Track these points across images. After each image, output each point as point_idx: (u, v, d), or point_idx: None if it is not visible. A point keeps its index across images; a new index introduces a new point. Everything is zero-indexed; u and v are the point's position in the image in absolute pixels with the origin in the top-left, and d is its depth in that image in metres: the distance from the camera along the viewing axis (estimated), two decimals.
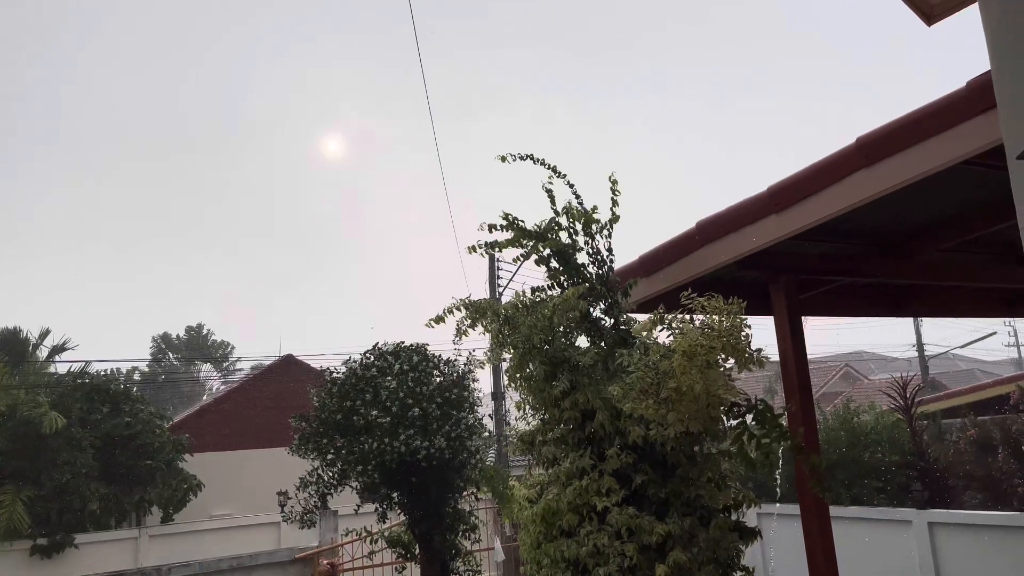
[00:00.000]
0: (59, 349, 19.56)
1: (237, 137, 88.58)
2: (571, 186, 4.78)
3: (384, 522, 9.74)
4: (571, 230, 4.73)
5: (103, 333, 75.13)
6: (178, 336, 58.03)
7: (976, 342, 33.94)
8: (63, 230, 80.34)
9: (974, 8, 2.46)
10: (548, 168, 4.75)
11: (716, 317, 3.81)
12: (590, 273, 4.68)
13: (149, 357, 55.89)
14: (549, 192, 4.75)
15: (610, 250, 4.77)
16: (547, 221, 4.72)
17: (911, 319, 30.07)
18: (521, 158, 4.75)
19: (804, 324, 5.29)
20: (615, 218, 4.78)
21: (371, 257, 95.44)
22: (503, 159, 4.73)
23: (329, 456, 9.22)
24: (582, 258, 4.72)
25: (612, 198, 4.76)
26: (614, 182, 4.77)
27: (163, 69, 75.99)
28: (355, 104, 71.93)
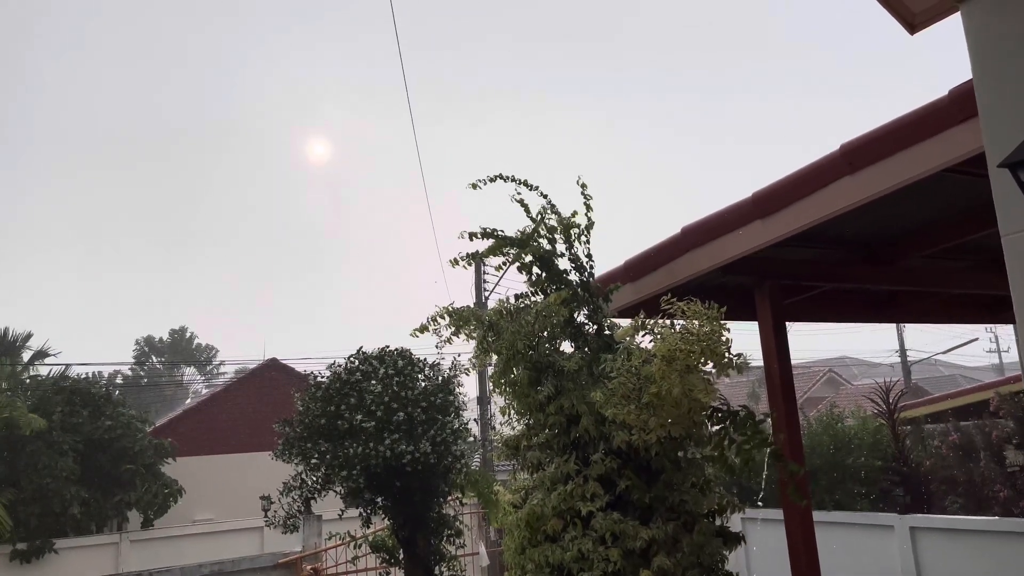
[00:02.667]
0: (41, 354, 19.35)
1: (221, 139, 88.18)
2: (544, 196, 4.79)
3: (368, 527, 9.69)
4: (550, 237, 4.74)
5: (86, 335, 74.52)
6: (161, 339, 57.54)
7: (958, 348, 34.15)
8: (46, 231, 79.62)
9: (956, 17, 2.49)
10: (518, 183, 4.77)
11: (696, 322, 3.82)
12: (572, 280, 4.69)
13: (132, 360, 55.41)
14: (522, 203, 4.76)
15: (589, 256, 4.78)
16: (528, 228, 4.72)
17: (894, 325, 30.30)
18: (491, 180, 4.77)
19: (788, 329, 5.31)
20: (591, 224, 4.80)
21: (358, 260, 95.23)
22: (473, 186, 4.76)
23: (313, 461, 9.16)
24: (563, 264, 4.73)
25: (585, 203, 4.78)
26: (583, 186, 4.78)
27: (144, 71, 75.56)
28: (341, 106, 71.74)
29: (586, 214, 4.79)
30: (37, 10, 71.26)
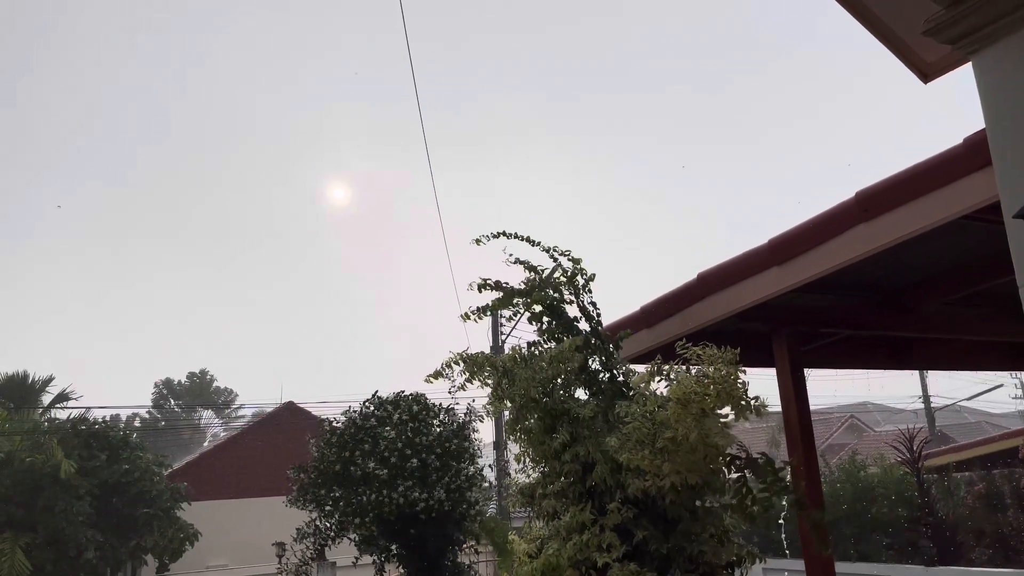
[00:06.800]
0: (62, 397, 19.52)
1: (243, 181, 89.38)
2: (547, 251, 4.83)
3: (382, 574, 9.57)
4: (556, 285, 4.77)
5: (106, 377, 74.89)
6: (180, 382, 57.80)
7: (983, 394, 33.52)
8: (67, 272, 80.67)
9: (968, 67, 2.50)
10: (522, 240, 4.82)
11: (711, 366, 3.79)
12: (582, 327, 4.70)
13: (151, 403, 55.64)
14: (526, 263, 4.81)
15: (594, 305, 4.81)
16: (536, 279, 4.76)
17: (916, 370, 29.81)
18: (494, 236, 4.82)
19: (807, 375, 5.26)
20: (591, 276, 4.85)
21: (377, 303, 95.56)
22: (477, 242, 4.83)
23: (327, 507, 9.11)
24: (573, 312, 4.75)
25: (574, 265, 4.83)
26: (567, 252, 4.84)
27: (170, 111, 76.99)
28: (362, 150, 72.72)
29: (580, 272, 4.84)
30: (46, 70, 73.20)
